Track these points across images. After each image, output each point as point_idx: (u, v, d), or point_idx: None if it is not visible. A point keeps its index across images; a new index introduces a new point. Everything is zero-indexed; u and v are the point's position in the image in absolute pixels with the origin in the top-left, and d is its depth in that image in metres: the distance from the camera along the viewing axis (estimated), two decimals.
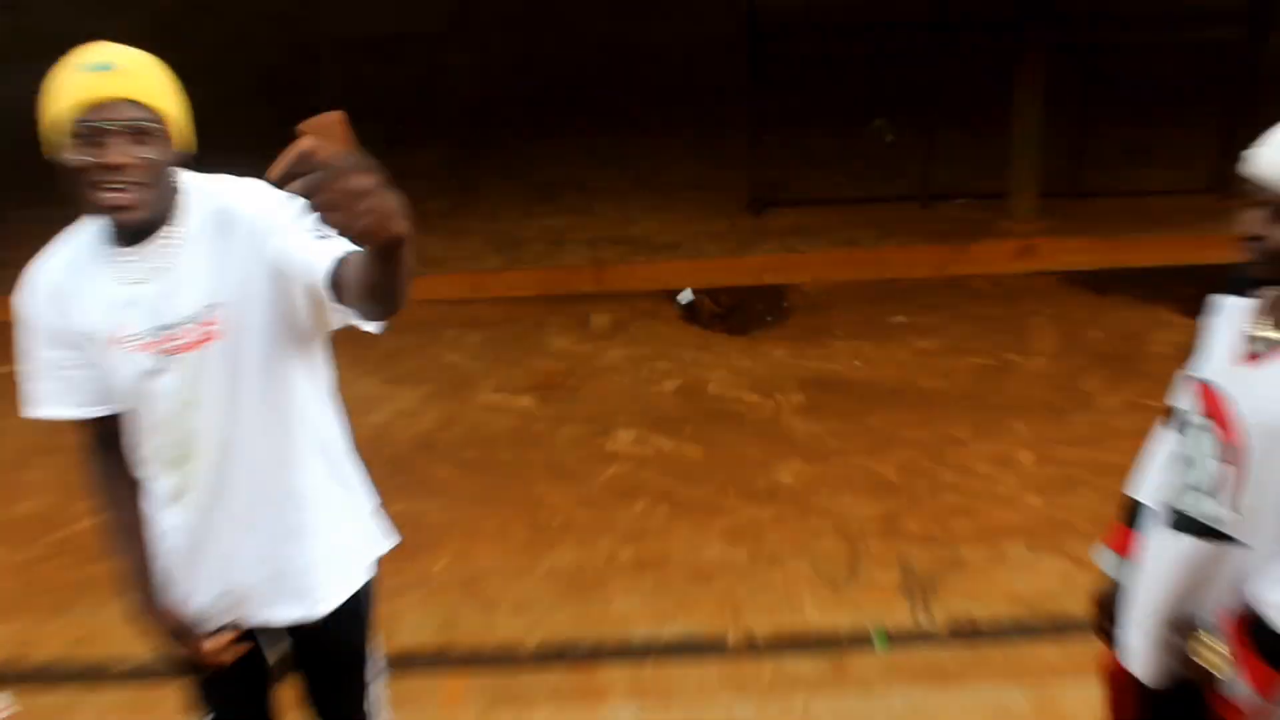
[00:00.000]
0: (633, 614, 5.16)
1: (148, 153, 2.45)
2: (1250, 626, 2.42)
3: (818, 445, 6.16)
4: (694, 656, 4.94)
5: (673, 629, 5.09)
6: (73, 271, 2.65)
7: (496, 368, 6.97)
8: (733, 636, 5.04)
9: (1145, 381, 6.48)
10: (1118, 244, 7.87)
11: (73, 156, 2.42)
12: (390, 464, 6.18)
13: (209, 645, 2.88)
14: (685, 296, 7.58)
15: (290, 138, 1.75)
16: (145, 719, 4.61)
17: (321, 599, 2.93)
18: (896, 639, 4.93)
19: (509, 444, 6.31)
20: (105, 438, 2.80)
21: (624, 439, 6.30)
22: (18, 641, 5.17)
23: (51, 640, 5.14)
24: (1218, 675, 2.49)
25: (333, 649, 3.08)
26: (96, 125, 2.39)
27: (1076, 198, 8.29)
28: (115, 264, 2.62)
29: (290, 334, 2.70)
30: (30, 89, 2.66)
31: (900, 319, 7.30)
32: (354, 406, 6.78)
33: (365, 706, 3.23)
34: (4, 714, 4.73)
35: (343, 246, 2.37)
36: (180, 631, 2.89)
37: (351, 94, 10.75)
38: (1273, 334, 2.44)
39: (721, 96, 10.06)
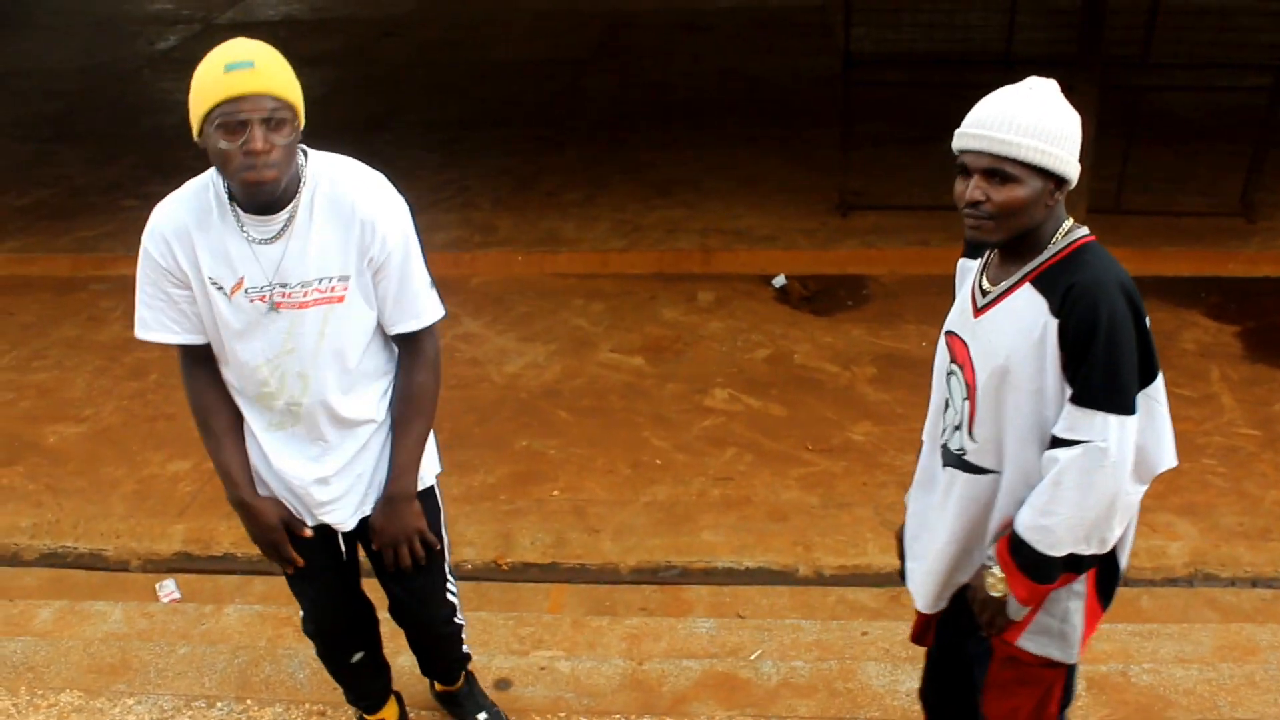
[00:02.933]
0: (717, 545, 4.97)
1: (281, 139, 2.36)
2: (1013, 549, 2.33)
3: (886, 411, 5.85)
4: (769, 583, 4.71)
5: (752, 559, 4.86)
6: (201, 222, 2.52)
7: (614, 332, 6.76)
8: (803, 569, 4.81)
9: (1174, 372, 6.05)
10: (1154, 255, 7.42)
11: (219, 144, 2.34)
12: (519, 407, 6.00)
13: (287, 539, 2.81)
14: (779, 281, 7.31)
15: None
16: (296, 604, 4.46)
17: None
18: None
19: (620, 396, 6.09)
20: (201, 358, 2.69)
21: (719, 397, 6.05)
22: (196, 538, 5.07)
23: (225, 537, 5.04)
24: (1001, 599, 2.38)
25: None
26: (237, 117, 2.31)
27: (1120, 214, 7.81)
28: (243, 223, 2.51)
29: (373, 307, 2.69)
30: None
31: None
32: (492, 358, 6.72)
33: (449, 598, 3.17)
34: (169, 598, 4.62)
35: (414, 325, 2.69)
36: (271, 525, 2.78)
37: (510, 105, 10.68)
38: (989, 287, 2.37)
39: (817, 117, 9.78)
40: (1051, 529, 2.25)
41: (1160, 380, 2.28)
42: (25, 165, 9.89)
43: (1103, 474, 2.21)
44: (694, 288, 7.32)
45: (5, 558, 5.03)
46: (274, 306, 2.54)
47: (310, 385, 2.63)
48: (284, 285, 2.53)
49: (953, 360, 2.46)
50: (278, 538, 2.77)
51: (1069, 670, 2.51)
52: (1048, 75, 2.34)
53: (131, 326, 2.65)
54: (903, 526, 2.79)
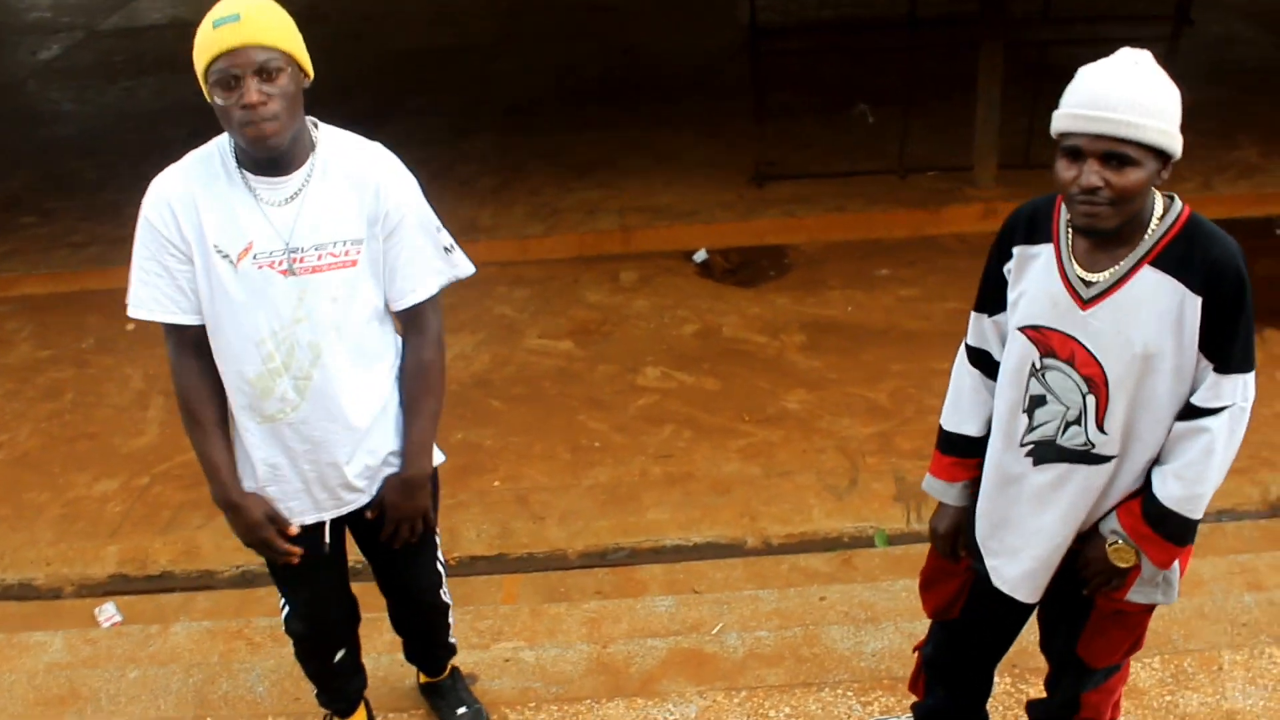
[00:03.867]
0: (664, 522, 4.99)
1: (277, 88, 2.34)
2: (1157, 522, 2.33)
3: (818, 377, 5.91)
4: (719, 557, 4.73)
5: (699, 534, 4.88)
6: (207, 187, 2.47)
7: (540, 318, 6.74)
8: (752, 540, 4.85)
9: None
10: None
11: (217, 100, 2.33)
12: (451, 399, 5.86)
13: (281, 536, 2.72)
14: (700, 256, 7.33)
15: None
16: (245, 616, 4.38)
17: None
18: (895, 539, 4.71)
19: (552, 381, 6.08)
20: (192, 343, 2.59)
21: (651, 375, 6.06)
22: (132, 557, 4.97)
23: (161, 554, 4.94)
24: (1127, 568, 2.40)
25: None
26: (230, 72, 2.29)
27: (1029, 169, 7.94)
28: (252, 187, 2.47)
29: (379, 281, 2.64)
30: None
31: (885, 272, 7.03)
32: None
33: (438, 568, 3.14)
34: (110, 621, 4.52)
35: (421, 294, 2.66)
36: (258, 522, 2.69)
37: (417, 95, 10.55)
38: (1090, 276, 2.28)
39: (727, 91, 9.79)
40: (1204, 495, 2.31)
41: None
42: None
43: (1241, 429, 2.29)
44: (616, 268, 7.31)
45: None
46: (292, 271, 2.49)
47: (323, 356, 2.56)
48: (298, 250, 2.48)
49: (1049, 356, 2.36)
50: (267, 535, 2.69)
51: None
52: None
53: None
54: (948, 524, 2.70)
